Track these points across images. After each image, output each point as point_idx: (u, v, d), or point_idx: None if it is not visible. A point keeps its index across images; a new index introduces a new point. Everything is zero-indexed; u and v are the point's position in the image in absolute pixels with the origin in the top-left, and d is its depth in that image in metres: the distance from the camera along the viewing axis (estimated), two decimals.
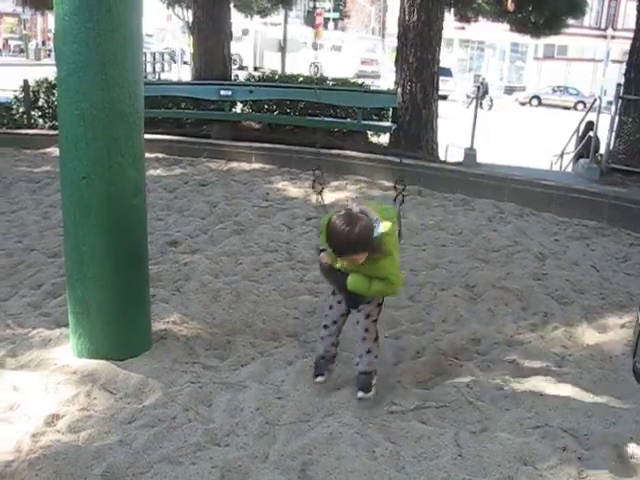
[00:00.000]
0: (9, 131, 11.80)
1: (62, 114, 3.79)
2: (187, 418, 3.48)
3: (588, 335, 4.72)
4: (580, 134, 13.02)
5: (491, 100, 34.98)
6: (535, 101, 42.55)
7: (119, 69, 3.68)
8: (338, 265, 3.60)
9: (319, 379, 3.80)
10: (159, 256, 5.99)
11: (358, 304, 3.70)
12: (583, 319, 4.99)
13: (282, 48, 32.65)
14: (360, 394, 3.67)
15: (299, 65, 33.91)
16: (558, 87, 43.94)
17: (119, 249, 3.91)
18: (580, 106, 41.16)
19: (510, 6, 14.36)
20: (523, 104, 42.26)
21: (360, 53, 48.74)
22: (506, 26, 16.18)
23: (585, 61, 47.62)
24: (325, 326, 3.83)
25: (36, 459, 3.04)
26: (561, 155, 14.20)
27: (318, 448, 3.23)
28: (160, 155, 10.24)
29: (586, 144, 11.92)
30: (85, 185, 3.75)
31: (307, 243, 6.56)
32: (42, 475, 2.96)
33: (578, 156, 12.50)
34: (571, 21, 16.67)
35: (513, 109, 38.33)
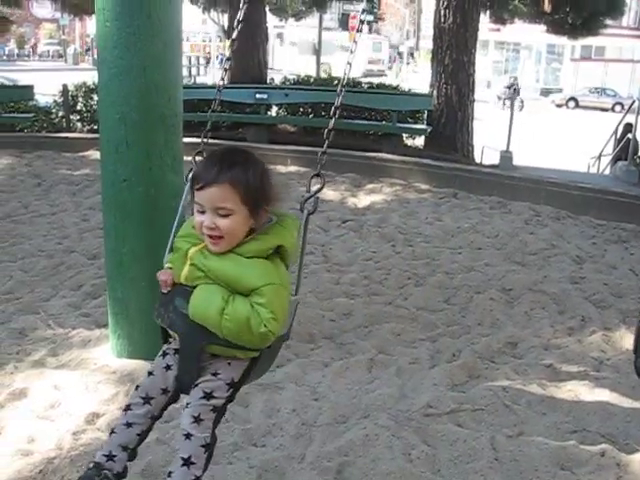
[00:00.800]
0: (49, 134, 11.99)
1: (103, 118, 3.86)
2: (224, 418, 3.50)
3: (626, 339, 4.66)
4: (618, 136, 12.86)
5: (522, 101, 34.61)
6: (572, 103, 42.05)
7: (159, 73, 3.74)
8: (185, 272, 2.17)
9: None
10: None
11: (197, 372, 2.18)
12: (621, 323, 4.94)
13: (317, 51, 32.69)
14: None
15: (336, 68, 34.02)
16: (595, 89, 43.35)
17: (158, 251, 3.94)
18: (618, 108, 40.45)
19: (547, 7, 14.23)
20: (559, 106, 41.78)
21: (368, 53, 49.38)
22: (542, 27, 16.02)
23: (623, 62, 46.92)
24: (127, 407, 2.24)
25: (77, 456, 3.09)
26: (599, 157, 14.03)
27: (354, 450, 3.24)
28: (197, 158, 10.30)
29: (624, 146, 11.77)
30: (125, 187, 3.81)
31: (343, 245, 6.58)
32: (82, 472, 3.02)
33: (616, 159, 12.34)
34: (609, 21, 16.47)
35: (549, 111, 37.91)
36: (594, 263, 6.36)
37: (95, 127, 11.57)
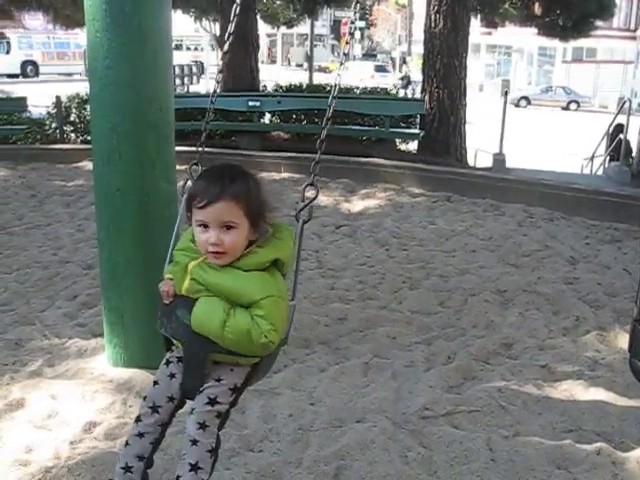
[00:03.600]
0: (42, 146, 12.00)
1: (95, 128, 3.88)
2: None
3: (621, 338, 4.69)
4: (610, 137, 12.92)
5: (413, 91, 35.39)
6: (524, 102, 42.24)
7: (149, 83, 3.76)
8: (185, 285, 2.24)
9: None
10: None
11: (201, 378, 2.26)
12: (615, 322, 4.96)
13: (309, 58, 32.76)
14: None
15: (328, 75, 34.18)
16: (549, 87, 44.19)
17: (152, 259, 3.97)
18: (573, 105, 41.88)
19: (538, 10, 14.31)
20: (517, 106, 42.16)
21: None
22: (533, 30, 16.10)
23: (615, 63, 47.09)
24: (138, 419, 2.36)
25: (74, 465, 3.10)
26: (591, 158, 14.09)
27: (351, 453, 3.25)
28: (193, 168, 10.31)
29: (616, 147, 11.82)
30: (118, 197, 3.82)
31: (337, 251, 6.60)
32: None
33: (609, 159, 12.41)
34: (600, 23, 16.54)
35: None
36: (588, 263, 6.39)
37: (88, 138, 11.56)
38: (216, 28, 23.40)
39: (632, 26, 47.22)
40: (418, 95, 12.99)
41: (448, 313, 5.14)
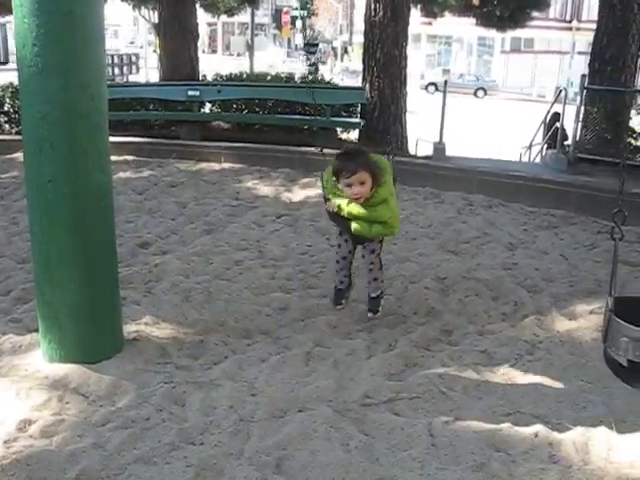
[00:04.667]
0: None
1: (25, 117, 3.76)
2: (161, 418, 3.47)
3: (558, 322, 4.78)
4: (547, 125, 13.16)
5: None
6: (432, 88, 43.24)
7: (80, 71, 3.65)
8: (343, 212, 4.29)
9: (339, 307, 4.78)
10: (129, 258, 5.96)
11: (363, 242, 4.48)
12: (553, 307, 5.05)
13: (250, 47, 32.58)
14: (370, 314, 4.70)
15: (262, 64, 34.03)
16: (461, 74, 46.34)
17: (87, 252, 3.89)
18: (480, 93, 44.18)
19: (475, 0, 14.48)
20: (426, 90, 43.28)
21: None
22: (472, 20, 16.29)
23: (552, 53, 48.04)
24: (337, 262, 4.63)
25: (9, 465, 3.01)
26: (529, 147, 14.34)
27: (292, 443, 3.24)
28: (129, 157, 10.15)
29: (553, 135, 12.05)
30: (51, 188, 3.71)
31: (278, 240, 6.57)
32: None
33: (546, 147, 12.64)
34: (536, 14, 16.83)
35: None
36: (526, 249, 6.50)
37: None
38: (154, 16, 23.04)
39: (568, 17, 48.23)
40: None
41: (389, 301, 5.15)
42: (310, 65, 36.22)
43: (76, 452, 3.17)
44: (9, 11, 13.48)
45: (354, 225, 4.27)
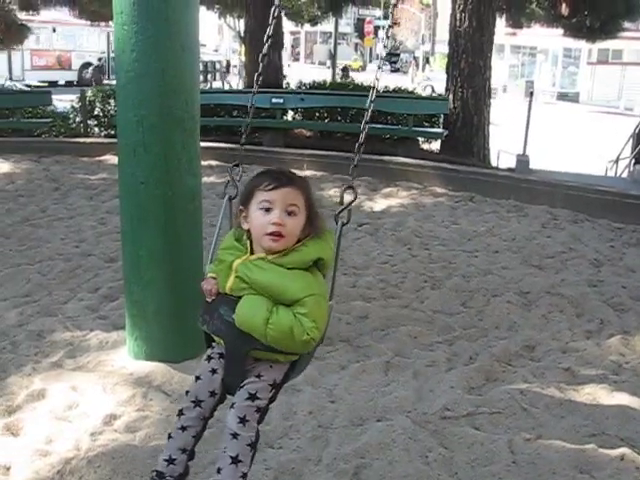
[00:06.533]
0: (66, 139, 12.07)
1: (121, 121, 3.89)
2: None
3: None
4: (635, 139, 12.78)
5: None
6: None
7: (176, 77, 3.76)
8: (230, 283, 2.29)
9: None
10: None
11: (242, 374, 2.30)
12: None
13: (332, 56, 32.75)
14: None
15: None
16: None
17: (176, 253, 3.98)
18: None
19: (565, 10, 14.17)
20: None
21: None
22: (558, 31, 15.93)
23: None
24: (180, 412, 2.40)
25: (94, 457, 3.11)
26: (616, 161, 13.95)
27: (371, 452, 3.23)
28: (213, 162, 10.36)
29: None
30: (143, 190, 3.83)
31: (359, 249, 6.58)
32: (100, 473, 3.03)
33: (634, 162, 12.27)
34: (627, 24, 16.36)
35: None
36: (612, 266, 6.32)
37: (112, 132, 11.65)
38: (240, 25, 23.43)
39: None
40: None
41: (470, 313, 5.10)
42: (342, 70, 35.69)
43: (158, 449, 3.22)
44: (103, 18, 13.95)
45: (244, 301, 2.23)
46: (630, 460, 3.20)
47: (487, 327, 4.89)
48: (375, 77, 2.84)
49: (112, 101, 11.95)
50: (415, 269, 5.96)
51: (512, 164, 11.23)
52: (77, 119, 12.73)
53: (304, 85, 13.39)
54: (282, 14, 14.85)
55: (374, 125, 11.77)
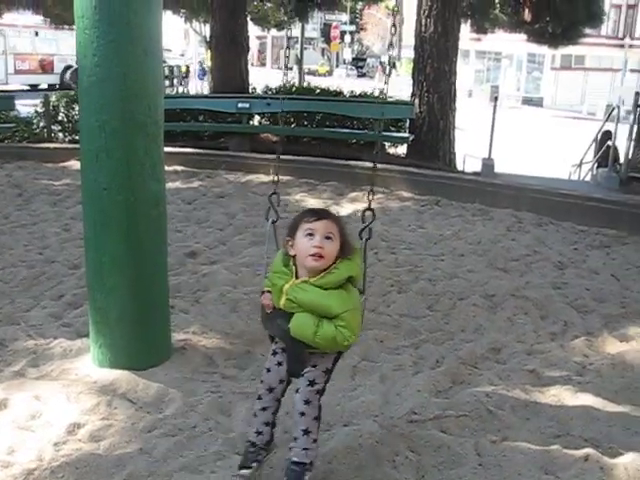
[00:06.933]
0: (30, 145, 11.92)
1: (83, 126, 3.84)
2: (207, 427, 3.49)
3: (609, 344, 4.69)
4: (598, 144, 12.99)
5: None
6: None
7: (139, 81, 3.72)
8: (282, 302, 2.91)
9: (243, 472, 3.01)
10: (178, 267, 6.02)
11: (302, 365, 2.97)
12: (603, 328, 4.96)
13: (299, 61, 32.82)
14: None
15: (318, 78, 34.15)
16: None
17: (139, 259, 3.94)
18: None
19: (527, 16, 14.36)
20: None
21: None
22: (522, 37, 16.15)
23: (603, 70, 47.37)
24: (259, 397, 3.07)
25: (58, 467, 3.06)
26: (579, 164, 14.15)
27: (338, 457, 3.22)
28: (179, 168, 10.30)
29: (604, 153, 11.87)
30: (106, 196, 3.78)
31: None
32: None
33: (597, 166, 12.46)
34: (589, 30, 16.62)
35: None
36: (576, 268, 6.39)
37: (76, 137, 11.51)
38: (206, 30, 23.35)
39: (620, 34, 47.54)
40: None
41: (436, 317, 5.12)
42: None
43: (123, 457, 3.21)
44: (66, 22, 13.83)
45: (296, 319, 2.87)
46: (594, 460, 3.22)
47: (453, 330, 4.91)
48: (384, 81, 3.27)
49: (76, 106, 11.82)
50: (381, 273, 5.97)
51: (478, 168, 11.34)
52: (41, 124, 12.59)
53: (270, 90, 13.38)
54: (248, 19, 14.82)
55: (340, 130, 11.82)
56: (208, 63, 17.78)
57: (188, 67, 38.66)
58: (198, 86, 34.58)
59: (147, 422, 3.53)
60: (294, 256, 2.93)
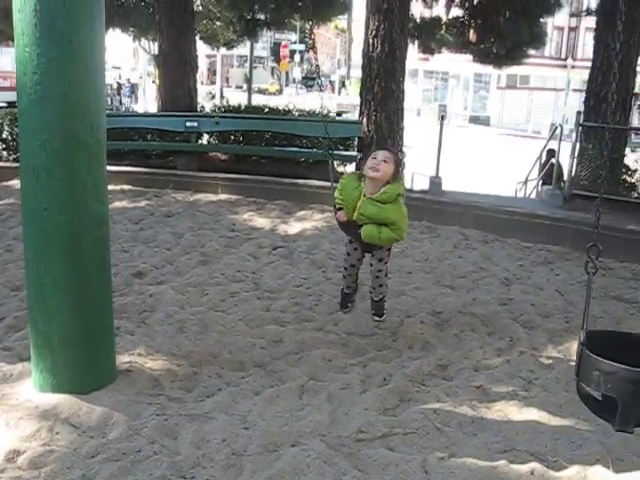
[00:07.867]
0: None
1: (23, 144, 3.76)
2: (152, 451, 3.42)
3: (554, 359, 4.76)
4: (542, 161, 13.24)
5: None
6: None
7: (80, 100, 3.67)
8: (355, 215, 4.47)
9: (345, 310, 5.10)
10: (124, 288, 5.93)
11: (372, 250, 4.66)
12: (548, 343, 5.04)
13: (248, 80, 32.86)
14: (376, 318, 4.96)
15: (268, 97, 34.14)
16: None
17: (82, 281, 3.87)
18: None
19: (472, 37, 14.62)
20: None
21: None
22: (469, 57, 16.45)
23: (547, 90, 48.51)
24: (345, 268, 4.86)
25: None
26: (525, 182, 14.39)
27: (285, 478, 3.20)
28: (126, 187, 10.16)
29: (548, 171, 12.10)
30: (47, 216, 3.71)
31: (273, 272, 6.55)
32: None
33: (542, 183, 12.69)
34: (532, 51, 17.00)
35: None
36: (521, 284, 6.49)
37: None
38: (154, 48, 23.21)
39: (563, 55, 48.78)
40: None
41: (384, 334, 5.14)
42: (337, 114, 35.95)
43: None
44: (9, 39, 13.53)
45: (365, 229, 4.44)
46: (540, 474, 3.27)
47: (401, 348, 4.93)
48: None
49: None
50: (329, 292, 5.97)
51: (425, 186, 11.43)
52: None
53: (219, 109, 13.33)
54: (197, 37, 14.78)
55: (289, 148, 11.82)
56: (157, 81, 17.66)
57: (120, 84, 38.83)
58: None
59: (90, 447, 3.45)
60: (363, 176, 4.49)
